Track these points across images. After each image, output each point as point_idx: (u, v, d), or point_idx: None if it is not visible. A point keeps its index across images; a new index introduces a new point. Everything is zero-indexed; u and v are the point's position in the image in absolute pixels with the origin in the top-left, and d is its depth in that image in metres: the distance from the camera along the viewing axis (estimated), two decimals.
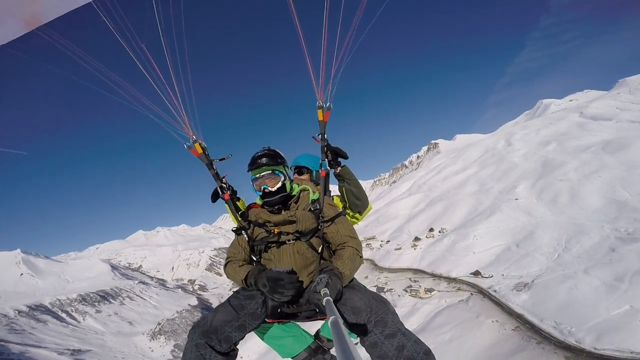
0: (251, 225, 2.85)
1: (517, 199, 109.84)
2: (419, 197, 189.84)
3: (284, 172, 2.90)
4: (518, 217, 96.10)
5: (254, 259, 2.92)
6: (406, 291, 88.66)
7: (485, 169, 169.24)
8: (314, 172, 3.74)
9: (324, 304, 1.97)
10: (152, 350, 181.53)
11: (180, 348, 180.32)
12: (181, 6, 2.82)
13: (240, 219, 2.89)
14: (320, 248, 2.80)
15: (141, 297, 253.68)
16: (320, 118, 3.06)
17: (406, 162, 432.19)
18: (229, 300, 2.66)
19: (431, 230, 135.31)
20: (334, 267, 2.55)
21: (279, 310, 2.66)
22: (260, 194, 2.83)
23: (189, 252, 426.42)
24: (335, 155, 3.27)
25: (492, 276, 70.33)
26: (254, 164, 2.84)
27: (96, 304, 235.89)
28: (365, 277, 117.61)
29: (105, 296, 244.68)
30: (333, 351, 3.15)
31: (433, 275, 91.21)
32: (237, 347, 2.58)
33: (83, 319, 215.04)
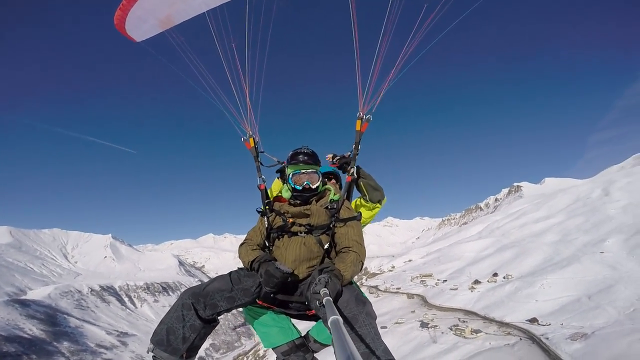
0: (273, 213, 3.02)
1: (602, 252, 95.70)
2: (488, 242, 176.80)
3: (320, 173, 3.12)
4: (599, 270, 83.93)
5: (267, 244, 3.05)
6: (451, 329, 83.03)
7: (572, 220, 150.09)
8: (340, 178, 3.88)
9: (323, 303, 1.97)
10: None
11: (215, 348, 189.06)
12: (270, 23, 3.43)
13: (266, 207, 3.09)
14: (327, 245, 2.88)
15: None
16: (358, 128, 3.27)
17: (482, 204, 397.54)
18: (230, 272, 2.79)
19: (495, 275, 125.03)
20: (335, 268, 2.58)
21: (271, 295, 2.72)
22: (300, 188, 2.99)
23: None
24: (344, 163, 3.44)
25: (549, 324, 62.63)
26: (300, 160, 3.02)
27: (157, 293, 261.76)
28: (412, 312, 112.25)
29: (166, 288, 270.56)
30: (318, 355, 3.26)
31: (484, 318, 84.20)
32: (219, 318, 2.72)
33: (140, 306, 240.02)
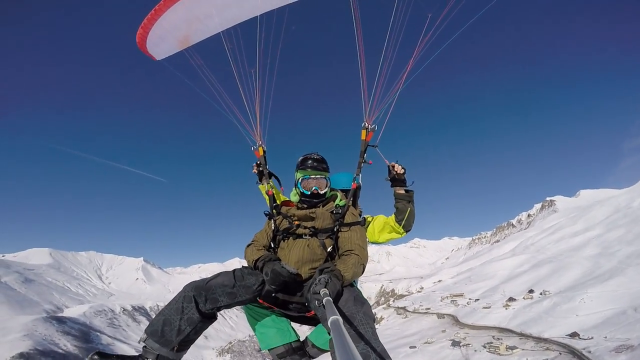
0: (280, 216, 3.09)
1: None
2: (523, 258, 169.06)
3: (329, 179, 3.20)
4: None
5: (272, 246, 3.09)
6: (484, 347, 79.07)
7: (613, 231, 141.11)
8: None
9: (323, 303, 1.96)
10: None
11: None
12: (279, 44, 3.69)
13: (274, 210, 3.19)
14: (330, 249, 2.91)
15: (222, 316, 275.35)
16: (363, 138, 3.37)
17: (514, 221, 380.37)
18: (234, 270, 2.82)
19: (531, 291, 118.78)
20: (336, 269, 2.60)
21: (272, 295, 2.75)
22: (309, 192, 3.08)
23: None
24: (402, 178, 3.45)
25: (592, 338, 58.47)
26: (310, 166, 3.10)
27: None
28: (442, 331, 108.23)
29: None
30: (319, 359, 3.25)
31: (521, 335, 79.81)
32: (218, 314, 2.75)
33: None
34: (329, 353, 2.43)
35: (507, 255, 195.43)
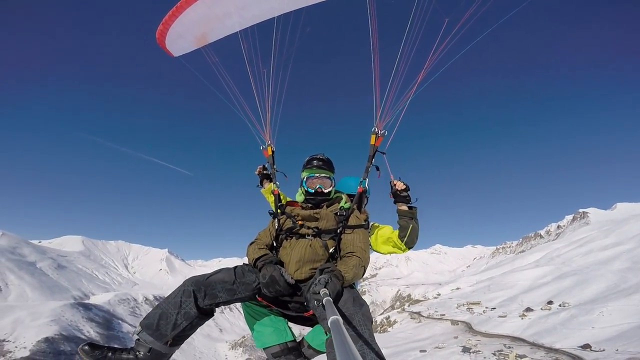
0: (284, 215, 3.10)
1: None
2: (546, 270, 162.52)
3: (334, 180, 3.27)
4: None
5: (275, 245, 3.04)
6: (494, 354, 77.61)
7: None
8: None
9: (323, 303, 1.93)
10: (226, 358, 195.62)
11: None
12: (294, 46, 3.72)
13: (278, 210, 3.21)
14: (332, 250, 2.87)
15: (238, 311, 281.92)
16: (372, 142, 3.41)
17: (542, 232, 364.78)
18: (235, 266, 2.81)
19: (549, 302, 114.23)
20: (336, 269, 2.58)
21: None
22: (313, 191, 3.14)
23: None
24: (405, 194, 3.38)
25: (603, 350, 56.49)
26: (315, 165, 3.20)
27: None
28: (454, 337, 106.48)
29: None
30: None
31: (532, 345, 77.76)
32: (216, 310, 2.71)
33: None
34: (325, 354, 2.45)
35: (530, 265, 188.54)
